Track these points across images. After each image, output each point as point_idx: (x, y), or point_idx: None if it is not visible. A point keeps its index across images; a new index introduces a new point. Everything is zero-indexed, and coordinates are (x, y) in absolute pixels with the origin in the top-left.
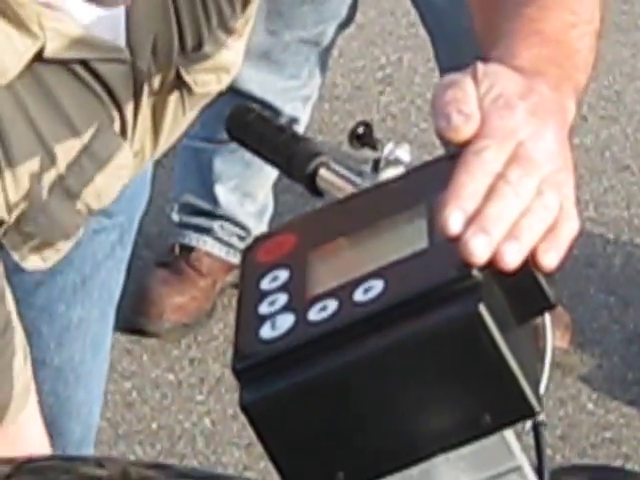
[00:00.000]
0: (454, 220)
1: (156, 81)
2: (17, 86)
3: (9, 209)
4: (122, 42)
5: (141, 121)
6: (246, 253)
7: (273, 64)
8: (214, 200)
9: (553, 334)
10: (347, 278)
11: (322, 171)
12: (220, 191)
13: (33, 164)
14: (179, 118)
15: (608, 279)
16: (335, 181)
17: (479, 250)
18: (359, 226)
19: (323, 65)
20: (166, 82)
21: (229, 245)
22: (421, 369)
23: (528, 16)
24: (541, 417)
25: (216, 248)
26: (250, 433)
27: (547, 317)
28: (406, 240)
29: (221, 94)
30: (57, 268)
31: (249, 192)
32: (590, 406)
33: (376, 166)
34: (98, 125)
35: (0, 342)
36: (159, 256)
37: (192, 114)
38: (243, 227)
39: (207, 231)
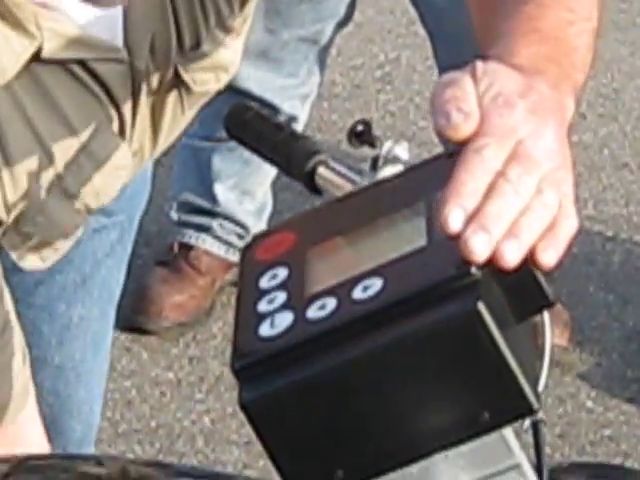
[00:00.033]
0: (454, 218)
1: (154, 80)
2: (15, 86)
3: (7, 209)
4: (120, 42)
5: (140, 120)
6: (245, 251)
7: (271, 62)
8: (213, 198)
9: (552, 332)
10: (346, 276)
11: (321, 169)
12: (219, 189)
13: (31, 164)
14: (178, 117)
15: (607, 277)
16: (334, 179)
17: (479, 248)
18: (358, 224)
19: (322, 63)
20: (164, 81)
21: (228, 243)
22: (420, 367)
23: (526, 14)
24: (540, 415)
25: (215, 246)
26: (249, 431)
27: (546, 315)
28: (405, 238)
29: (220, 93)
30: (57, 267)
31: (248, 190)
32: (589, 404)
33: (375, 164)
34: (96, 125)
35: None
36: (158, 255)
37: (191, 113)
38: (242, 225)
39: (206, 229)
